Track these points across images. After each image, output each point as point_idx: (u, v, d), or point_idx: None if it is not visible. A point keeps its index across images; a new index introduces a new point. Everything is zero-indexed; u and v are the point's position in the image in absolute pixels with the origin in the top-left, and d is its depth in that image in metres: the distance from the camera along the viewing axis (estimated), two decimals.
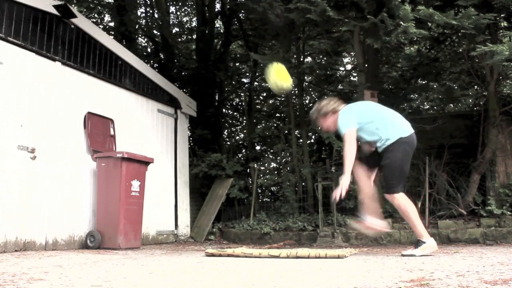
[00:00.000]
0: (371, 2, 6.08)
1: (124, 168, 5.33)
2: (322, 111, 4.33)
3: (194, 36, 12.12)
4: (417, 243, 4.10)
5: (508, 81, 8.83)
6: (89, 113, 5.65)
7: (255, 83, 11.84)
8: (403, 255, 4.05)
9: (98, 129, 5.80)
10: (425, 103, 10.89)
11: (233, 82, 11.73)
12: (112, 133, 5.98)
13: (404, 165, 4.13)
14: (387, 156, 4.13)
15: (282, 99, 11.80)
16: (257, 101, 12.28)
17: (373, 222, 4.26)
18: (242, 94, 12.08)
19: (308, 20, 6.52)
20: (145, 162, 5.71)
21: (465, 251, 4.67)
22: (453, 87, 9.27)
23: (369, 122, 4.20)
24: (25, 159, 4.81)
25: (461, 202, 6.50)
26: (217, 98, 11.04)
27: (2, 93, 4.62)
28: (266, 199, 9.64)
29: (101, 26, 10.92)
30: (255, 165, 8.32)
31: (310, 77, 10.74)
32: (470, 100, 10.43)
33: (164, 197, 7.03)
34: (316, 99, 11.26)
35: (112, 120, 6.02)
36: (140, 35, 12.32)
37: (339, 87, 10.68)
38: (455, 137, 8.09)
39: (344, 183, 3.93)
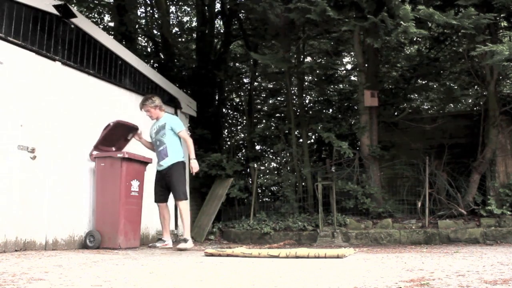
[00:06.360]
0: (371, 2, 6.08)
1: (124, 168, 5.33)
2: (155, 103, 5.60)
3: (194, 36, 12.11)
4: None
5: (508, 81, 8.84)
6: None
7: (255, 83, 11.83)
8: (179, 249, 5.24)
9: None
10: (425, 103, 10.89)
11: (233, 82, 11.72)
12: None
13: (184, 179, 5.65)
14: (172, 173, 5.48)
15: (282, 99, 11.81)
16: (257, 101, 12.26)
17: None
18: (242, 94, 12.08)
19: (308, 20, 6.52)
20: (144, 162, 5.71)
21: (465, 251, 4.67)
22: (453, 87, 9.27)
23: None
24: (25, 159, 4.80)
25: (461, 202, 6.50)
26: (217, 98, 11.03)
27: (2, 93, 4.61)
28: (266, 199, 9.63)
29: (101, 26, 10.92)
30: (255, 165, 8.31)
31: (310, 77, 10.73)
32: (470, 100, 10.43)
33: None
34: (316, 99, 11.27)
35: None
36: (140, 35, 12.31)
37: (339, 86, 10.68)
38: (455, 137, 8.10)
39: (195, 164, 5.47)
